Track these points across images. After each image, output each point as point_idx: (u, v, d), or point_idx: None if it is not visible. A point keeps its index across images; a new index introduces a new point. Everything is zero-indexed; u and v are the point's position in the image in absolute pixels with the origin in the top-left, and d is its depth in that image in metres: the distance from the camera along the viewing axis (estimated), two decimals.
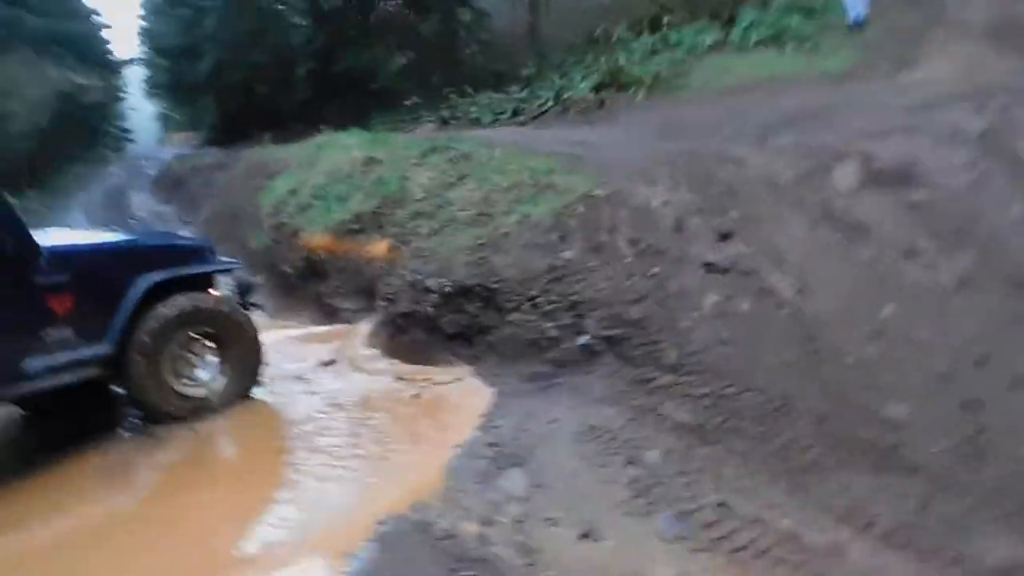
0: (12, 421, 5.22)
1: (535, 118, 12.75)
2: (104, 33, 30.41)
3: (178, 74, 25.99)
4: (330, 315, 7.25)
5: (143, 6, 30.90)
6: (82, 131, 24.47)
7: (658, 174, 5.10)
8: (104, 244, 4.66)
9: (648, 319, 3.94)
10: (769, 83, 10.59)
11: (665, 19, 13.90)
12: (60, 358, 3.92)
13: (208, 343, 4.58)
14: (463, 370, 4.80)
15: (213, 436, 4.43)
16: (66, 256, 4.01)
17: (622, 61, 12.62)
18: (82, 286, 4.00)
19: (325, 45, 19.49)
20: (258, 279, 9.22)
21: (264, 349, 4.83)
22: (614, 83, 11.86)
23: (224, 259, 5.12)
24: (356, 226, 7.35)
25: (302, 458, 3.99)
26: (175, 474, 4.03)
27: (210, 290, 4.75)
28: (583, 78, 13.16)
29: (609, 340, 4.01)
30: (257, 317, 7.91)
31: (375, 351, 5.62)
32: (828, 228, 4.35)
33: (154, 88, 30.23)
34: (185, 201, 15.77)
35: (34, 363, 3.81)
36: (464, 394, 4.46)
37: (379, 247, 6.84)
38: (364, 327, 6.16)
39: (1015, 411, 2.99)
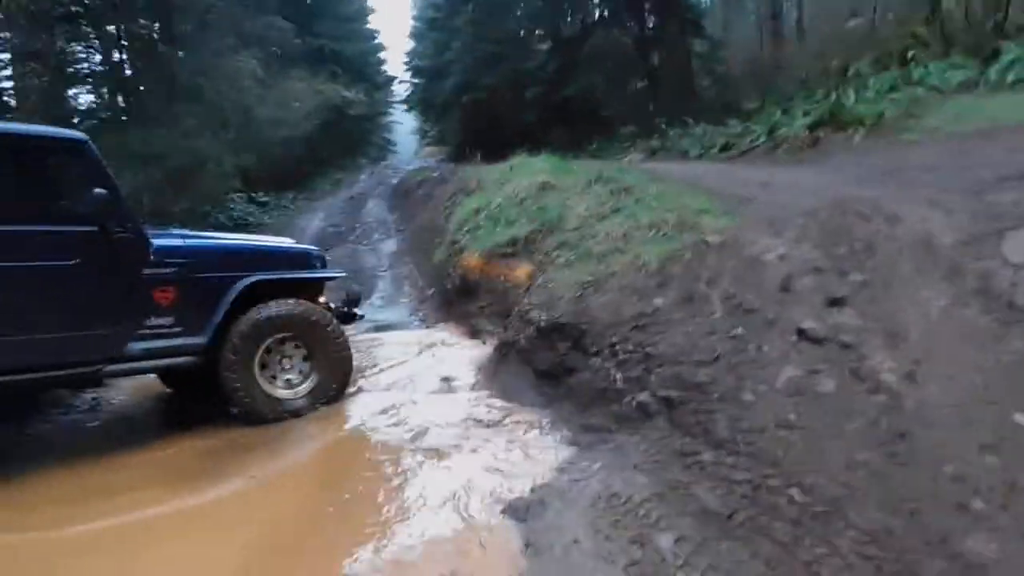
0: (157, 397, 5.94)
1: (743, 154, 12.06)
2: (382, 54, 34.14)
3: (430, 92, 28.43)
4: (475, 334, 7.38)
5: (411, 29, 34.20)
6: (346, 140, 27.45)
7: (789, 224, 4.54)
8: (211, 245, 5.11)
9: (712, 384, 3.47)
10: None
11: (911, 53, 12.46)
12: (158, 344, 4.37)
13: (300, 348, 4.85)
14: (540, 413, 4.59)
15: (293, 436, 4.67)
16: (172, 253, 4.47)
17: (848, 97, 11.51)
18: (185, 282, 4.44)
19: (556, 70, 20.04)
20: (431, 291, 9.70)
21: (353, 360, 5.02)
22: (833, 121, 10.85)
23: (332, 270, 5.41)
24: (509, 250, 7.43)
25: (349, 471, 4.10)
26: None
27: (319, 298, 5.04)
28: (804, 114, 12.22)
29: (667, 401, 3.60)
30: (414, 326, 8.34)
31: (479, 378, 5.59)
32: (978, 306, 3.57)
33: (412, 104, 33.22)
34: (406, 211, 16.96)
35: (135, 346, 4.30)
36: (527, 440, 4.27)
37: (521, 273, 6.85)
38: (482, 351, 6.18)
39: None
